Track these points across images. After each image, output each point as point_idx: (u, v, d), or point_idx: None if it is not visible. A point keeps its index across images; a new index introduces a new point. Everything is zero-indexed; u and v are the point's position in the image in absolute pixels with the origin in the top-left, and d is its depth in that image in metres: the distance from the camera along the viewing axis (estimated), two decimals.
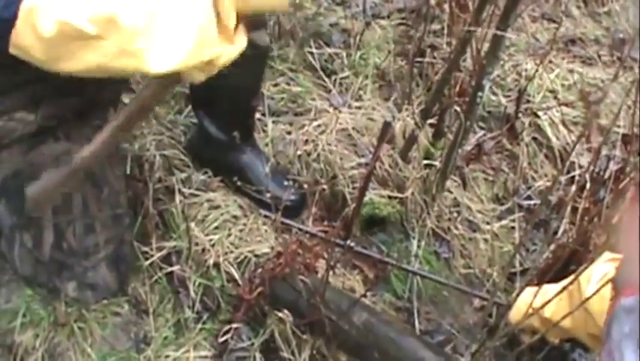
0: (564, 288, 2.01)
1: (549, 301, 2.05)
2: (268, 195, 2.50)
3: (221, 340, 2.45)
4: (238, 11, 1.76)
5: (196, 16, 1.70)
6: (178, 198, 2.61)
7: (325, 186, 2.73)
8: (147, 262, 2.51)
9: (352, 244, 2.50)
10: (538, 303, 2.21)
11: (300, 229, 2.59)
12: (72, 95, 2.17)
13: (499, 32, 2.37)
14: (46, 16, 1.65)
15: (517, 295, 2.28)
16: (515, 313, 2.35)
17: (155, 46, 1.68)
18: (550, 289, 2.24)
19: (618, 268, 2.08)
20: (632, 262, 1.93)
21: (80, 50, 1.69)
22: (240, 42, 1.80)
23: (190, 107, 2.83)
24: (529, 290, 2.27)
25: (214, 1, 1.72)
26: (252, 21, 1.98)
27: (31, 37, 1.69)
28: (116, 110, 2.44)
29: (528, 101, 3.24)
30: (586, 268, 2.05)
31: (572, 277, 2.14)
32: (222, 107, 2.62)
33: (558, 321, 2.11)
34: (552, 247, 2.80)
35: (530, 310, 2.16)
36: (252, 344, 2.45)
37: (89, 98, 2.20)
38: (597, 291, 1.95)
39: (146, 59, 1.69)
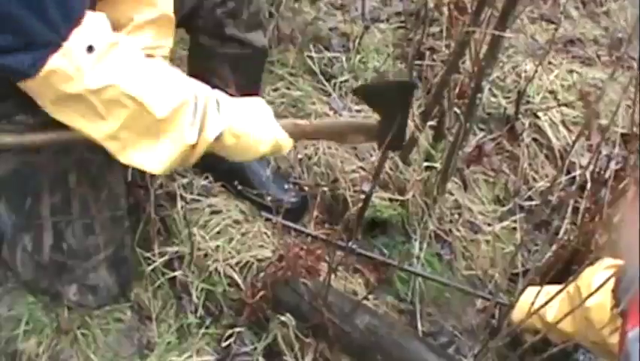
0: (566, 286, 2.01)
1: (550, 299, 2.05)
2: (269, 198, 2.51)
3: (224, 345, 2.46)
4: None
5: (177, 147, 1.97)
6: (180, 203, 2.61)
7: (326, 189, 2.73)
8: (149, 268, 2.51)
9: (354, 247, 2.49)
10: (541, 308, 2.22)
11: (302, 232, 2.59)
12: None
13: (498, 33, 2.37)
14: (68, 83, 1.81)
15: (520, 294, 2.28)
16: (518, 313, 2.35)
17: (136, 144, 1.96)
18: (552, 290, 2.25)
19: (617, 276, 2.09)
20: (633, 262, 1.94)
21: (83, 118, 1.90)
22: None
23: None
24: (532, 290, 2.27)
25: (194, 144, 1.98)
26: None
27: (44, 91, 1.84)
28: None
29: (528, 102, 3.25)
30: (588, 265, 2.05)
31: (573, 276, 2.15)
32: None
33: (558, 321, 2.12)
34: (554, 247, 2.80)
35: (532, 310, 2.17)
36: (255, 348, 2.45)
37: None
38: (593, 293, 1.95)
39: (122, 149, 1.96)
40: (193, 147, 1.98)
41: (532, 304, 2.06)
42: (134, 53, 1.95)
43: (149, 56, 2.06)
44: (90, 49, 1.81)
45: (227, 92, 2.10)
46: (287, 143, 2.17)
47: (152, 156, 1.98)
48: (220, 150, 2.07)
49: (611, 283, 2.10)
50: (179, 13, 2.25)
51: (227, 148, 2.07)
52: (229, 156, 2.14)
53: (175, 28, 2.23)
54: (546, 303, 2.08)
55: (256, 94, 2.74)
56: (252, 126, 2.09)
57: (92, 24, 1.84)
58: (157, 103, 1.90)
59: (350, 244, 2.47)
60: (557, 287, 2.13)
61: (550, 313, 2.29)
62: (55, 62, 1.78)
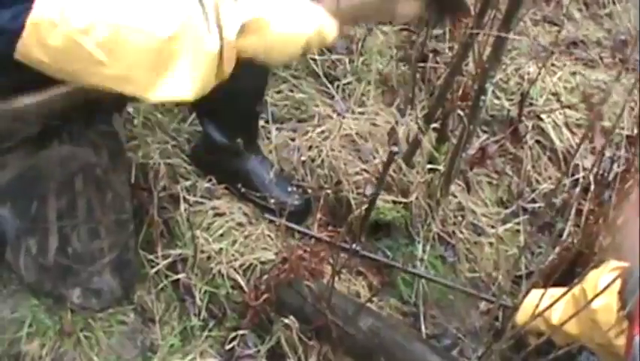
0: (570, 288, 2.01)
1: (556, 301, 2.05)
2: (272, 201, 2.51)
3: (227, 347, 2.46)
4: (240, 58, 1.82)
5: (200, 61, 1.77)
6: (183, 206, 2.61)
7: (330, 191, 2.73)
8: (153, 271, 2.51)
9: (358, 249, 2.49)
10: (545, 310, 2.22)
11: (305, 234, 2.59)
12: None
13: (501, 34, 2.37)
14: (54, 33, 1.67)
15: (524, 297, 2.28)
16: (522, 316, 2.35)
17: (155, 77, 1.76)
18: (556, 293, 2.24)
19: (623, 278, 2.09)
20: (637, 264, 1.94)
21: (84, 71, 1.74)
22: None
23: (194, 115, 2.84)
24: (536, 292, 2.27)
25: (220, 50, 1.77)
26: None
27: (38, 50, 1.70)
28: (121, 115, 2.45)
29: (531, 104, 3.25)
30: (593, 267, 2.05)
31: (578, 279, 2.15)
32: (226, 113, 2.62)
33: (563, 323, 2.11)
34: (557, 249, 2.80)
35: (537, 313, 2.17)
36: (259, 350, 2.45)
37: (93, 101, 2.20)
38: (598, 295, 1.95)
39: (145, 87, 1.77)
40: (220, 55, 1.80)
41: (537, 306, 2.06)
42: None
43: None
44: None
45: None
46: (331, 29, 1.94)
47: (179, 84, 1.79)
48: (255, 50, 1.86)
49: (618, 285, 2.10)
50: None
51: (260, 44, 1.86)
52: (267, 56, 1.92)
53: None
54: (551, 305, 2.07)
55: (261, 99, 2.76)
56: (283, 10, 1.88)
57: None
58: (155, 25, 1.73)
59: (354, 246, 2.47)
60: (561, 290, 2.13)
61: (555, 316, 2.28)
62: (37, 11, 1.66)
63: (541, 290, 2.09)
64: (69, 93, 1.90)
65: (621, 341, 2.11)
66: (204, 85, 1.81)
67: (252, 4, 1.83)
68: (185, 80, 1.78)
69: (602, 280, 2.17)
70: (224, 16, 1.78)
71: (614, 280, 1.92)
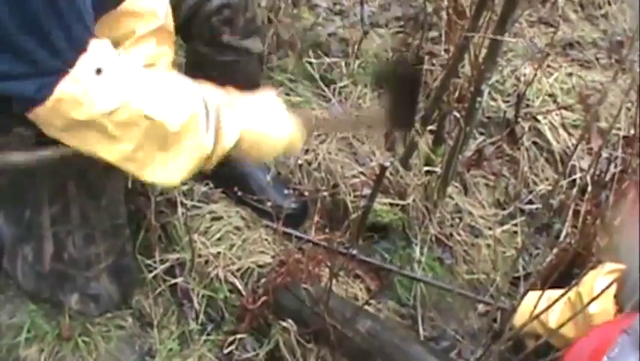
0: (568, 290, 2.01)
1: (552, 304, 2.05)
2: (269, 204, 2.51)
3: (226, 351, 2.46)
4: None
5: (194, 156, 1.98)
6: (180, 210, 2.61)
7: (326, 194, 2.72)
8: (151, 275, 2.51)
9: (355, 252, 2.49)
10: (543, 312, 2.22)
11: (303, 238, 2.59)
12: None
13: (497, 36, 2.37)
14: (79, 109, 1.79)
15: (521, 298, 2.28)
16: (519, 318, 2.35)
17: (154, 162, 1.94)
18: (553, 296, 2.24)
19: (619, 281, 2.09)
20: (634, 266, 1.94)
21: (97, 142, 1.89)
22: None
23: None
24: (533, 295, 2.27)
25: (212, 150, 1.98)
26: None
27: (54, 120, 1.83)
28: None
29: (527, 106, 3.25)
30: (591, 268, 2.05)
31: (575, 281, 2.15)
32: None
33: (560, 327, 2.11)
34: (555, 250, 2.80)
35: (534, 315, 2.17)
36: (257, 354, 2.45)
37: None
38: (594, 299, 1.95)
39: (143, 168, 1.95)
40: (210, 152, 1.98)
41: (535, 308, 2.06)
42: (140, 69, 1.97)
43: (151, 65, 2.07)
44: (99, 71, 1.79)
45: None
46: (301, 139, 2.18)
47: (171, 170, 1.98)
48: (237, 153, 2.07)
49: (614, 289, 2.10)
50: (175, 21, 2.25)
51: (245, 150, 2.08)
52: (246, 157, 2.19)
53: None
54: (547, 308, 2.08)
55: None
56: (268, 125, 2.10)
57: (98, 49, 1.82)
58: (169, 116, 1.89)
59: (351, 249, 2.47)
60: (559, 292, 2.13)
61: (552, 319, 2.28)
62: (63, 87, 1.77)
63: (539, 293, 2.09)
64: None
65: None
66: (189, 174, 2.03)
67: (248, 113, 2.06)
68: (177, 168, 1.98)
69: (597, 284, 2.17)
70: (225, 124, 1.99)
71: (610, 285, 1.92)
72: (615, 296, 2.11)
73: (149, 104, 1.87)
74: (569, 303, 2.25)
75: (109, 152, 1.91)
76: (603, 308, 2.13)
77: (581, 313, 2.13)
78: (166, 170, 1.97)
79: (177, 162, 1.97)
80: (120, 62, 1.87)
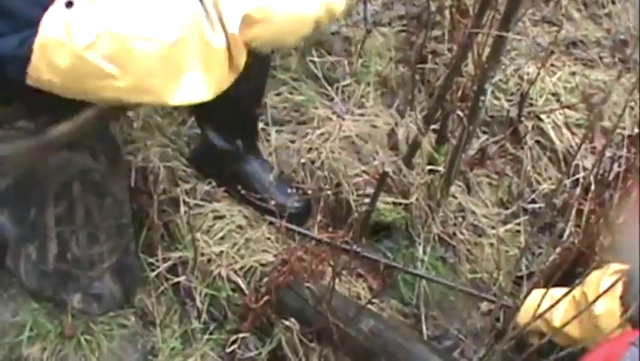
0: (572, 289, 2.00)
1: (557, 302, 2.04)
2: (273, 203, 2.51)
3: (228, 350, 2.46)
4: (250, 50, 1.84)
5: (209, 60, 1.80)
6: (183, 209, 2.61)
7: (330, 193, 2.72)
8: (153, 274, 2.52)
9: (359, 250, 2.49)
10: (547, 311, 2.21)
11: (306, 236, 2.59)
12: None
13: (501, 33, 2.37)
14: (62, 52, 1.68)
15: (525, 297, 2.28)
16: (523, 316, 2.35)
17: (169, 82, 1.78)
18: (557, 294, 2.24)
19: (625, 282, 2.08)
20: (634, 264, 1.93)
21: (96, 87, 1.75)
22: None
23: (193, 118, 2.83)
24: (537, 293, 2.27)
25: (227, 46, 1.79)
26: None
27: (47, 71, 1.71)
28: (118, 120, 2.45)
29: (531, 105, 3.24)
30: (594, 268, 2.04)
31: (579, 279, 2.14)
32: (225, 116, 2.63)
33: (564, 325, 2.11)
34: (558, 249, 2.79)
35: (538, 313, 2.16)
36: (260, 353, 2.45)
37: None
38: (599, 297, 1.95)
39: (163, 95, 1.79)
40: (228, 51, 1.82)
41: (539, 306, 2.05)
42: None
43: None
44: (69, 4, 1.68)
45: None
46: (339, 1, 1.93)
47: (194, 85, 1.81)
48: (264, 38, 1.86)
49: (620, 290, 2.10)
50: None
51: (268, 32, 1.84)
52: (277, 42, 1.93)
53: None
54: (552, 306, 2.07)
55: (260, 102, 2.75)
56: None
57: None
58: (161, 30, 1.74)
59: (354, 247, 2.47)
60: (563, 290, 2.13)
61: (557, 318, 2.28)
62: (42, 33, 1.67)
63: (543, 290, 2.09)
64: (97, 116, 1.97)
65: None
66: (220, 82, 1.84)
67: None
68: (199, 81, 1.81)
69: (603, 284, 2.16)
70: (224, 11, 1.78)
71: (614, 284, 1.92)
72: (621, 297, 2.10)
73: (133, 24, 1.73)
74: (573, 302, 2.25)
75: (117, 93, 1.77)
76: (609, 309, 2.12)
77: (586, 314, 2.12)
78: (189, 88, 1.81)
79: (196, 76, 1.81)
80: None
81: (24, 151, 2.05)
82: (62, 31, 1.67)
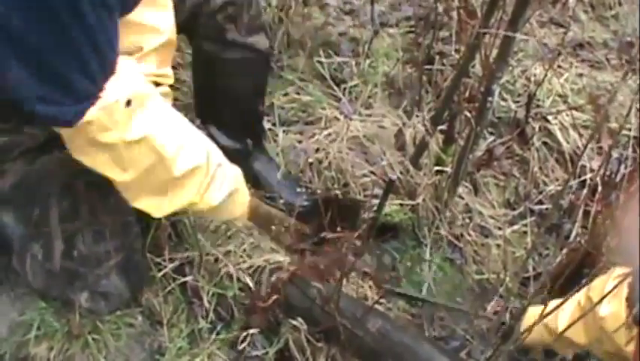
0: (576, 291, 2.01)
1: (561, 303, 2.05)
2: (281, 202, 2.51)
3: (235, 350, 2.46)
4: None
5: (184, 201, 2.20)
6: None
7: (338, 192, 2.73)
8: (160, 273, 2.51)
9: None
10: (550, 319, 2.22)
11: (314, 235, 2.59)
12: None
13: (509, 34, 2.37)
14: (106, 133, 1.90)
15: (531, 297, 2.28)
16: (525, 325, 2.34)
17: (145, 194, 2.14)
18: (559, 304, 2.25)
19: (630, 285, 2.08)
20: (635, 265, 1.93)
21: (106, 166, 2.02)
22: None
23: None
24: (534, 310, 2.28)
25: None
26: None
27: (76, 137, 1.93)
28: None
29: (538, 106, 3.24)
30: (601, 268, 2.04)
31: (584, 281, 2.15)
32: (228, 114, 2.64)
33: (569, 326, 2.11)
34: (565, 250, 2.80)
35: (543, 328, 2.18)
36: (267, 352, 2.45)
37: None
38: (604, 298, 1.95)
39: (134, 199, 2.16)
40: (196, 204, 2.20)
41: (540, 318, 2.06)
42: (163, 104, 2.06)
43: (154, 83, 2.13)
44: (128, 103, 1.88)
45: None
46: (244, 221, 2.51)
47: (157, 206, 2.17)
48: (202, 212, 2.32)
49: (625, 292, 2.10)
50: (179, 19, 2.25)
51: (210, 213, 2.33)
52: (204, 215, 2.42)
53: (176, 35, 2.25)
54: (556, 308, 2.08)
55: (262, 98, 2.76)
56: (238, 201, 2.38)
57: (127, 73, 1.90)
58: (177, 161, 2.05)
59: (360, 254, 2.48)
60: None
61: (562, 325, 2.28)
62: (94, 113, 1.84)
63: (541, 307, 2.10)
64: None
65: (631, 348, 2.10)
66: (170, 213, 2.24)
67: (232, 174, 2.30)
68: (164, 207, 2.18)
69: (608, 288, 2.16)
70: (214, 184, 2.21)
71: (618, 284, 1.92)
72: (627, 299, 2.10)
73: (167, 143, 2.01)
74: (579, 308, 2.25)
75: (114, 175, 2.04)
76: (615, 312, 2.12)
77: (592, 317, 2.12)
78: (154, 205, 2.16)
79: (166, 203, 2.16)
80: (146, 93, 1.98)
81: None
82: (111, 121, 1.89)
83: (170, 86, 2.25)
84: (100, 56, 1.81)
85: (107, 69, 1.85)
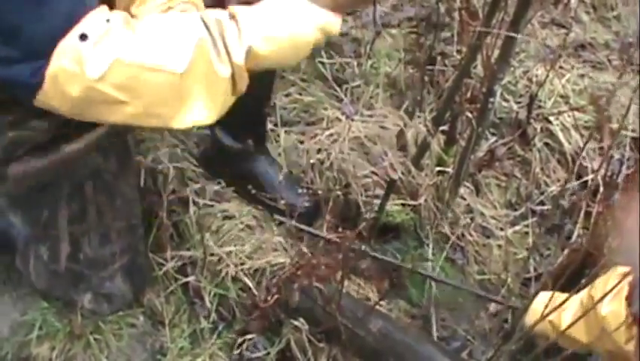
0: (578, 289, 2.01)
1: (564, 301, 2.05)
2: (283, 202, 2.51)
3: (237, 350, 2.46)
4: (251, 72, 1.90)
5: (215, 88, 1.87)
6: (192, 209, 2.61)
7: (339, 194, 2.73)
8: (162, 274, 2.52)
9: (367, 250, 2.50)
10: (554, 310, 2.22)
11: (315, 236, 2.59)
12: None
13: (510, 35, 2.37)
14: (73, 82, 1.72)
15: (533, 298, 2.28)
16: (531, 317, 2.35)
17: (176, 109, 1.85)
18: (564, 296, 2.25)
19: (631, 284, 2.08)
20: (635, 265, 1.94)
21: (106, 111, 1.81)
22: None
23: None
24: (544, 294, 2.27)
25: (232, 74, 1.86)
26: None
27: (57, 99, 1.76)
28: None
29: (539, 107, 3.24)
30: (602, 267, 2.04)
31: (586, 279, 2.15)
32: (234, 116, 2.62)
33: (572, 324, 2.11)
34: (566, 251, 2.80)
35: (546, 313, 2.17)
36: (268, 353, 2.46)
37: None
38: (605, 296, 1.95)
39: (169, 120, 1.86)
40: (232, 78, 1.88)
41: (546, 307, 2.06)
42: (127, 21, 1.82)
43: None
44: (83, 37, 1.71)
45: None
46: (334, 22, 1.95)
47: (199, 111, 1.88)
48: (266, 63, 1.93)
49: (625, 291, 2.10)
50: None
51: (270, 58, 1.91)
52: (280, 64, 2.05)
53: None
54: (560, 305, 2.08)
55: (268, 100, 2.75)
56: (283, 24, 1.90)
57: (88, 18, 1.74)
58: (171, 59, 1.80)
59: (363, 248, 2.47)
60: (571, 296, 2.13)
61: (565, 322, 2.28)
62: (53, 64, 1.71)
63: (549, 293, 2.09)
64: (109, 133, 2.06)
65: (631, 347, 2.11)
66: (223, 107, 1.92)
67: (254, 23, 1.88)
68: (204, 106, 1.87)
69: (609, 287, 2.16)
70: (230, 42, 1.84)
71: (618, 283, 1.92)
72: (627, 298, 2.11)
73: (144, 54, 1.78)
74: (581, 306, 2.25)
75: (126, 117, 1.82)
76: (616, 311, 2.12)
77: (593, 316, 2.13)
78: (194, 113, 1.88)
79: (202, 103, 1.87)
80: (107, 24, 1.76)
81: (36, 171, 2.08)
82: (74, 63, 1.71)
83: None
84: (56, 3, 1.71)
85: (68, 19, 1.72)
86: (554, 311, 2.11)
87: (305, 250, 2.54)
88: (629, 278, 2.07)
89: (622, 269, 2.19)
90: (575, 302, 2.23)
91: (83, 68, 1.71)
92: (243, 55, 1.86)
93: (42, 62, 1.71)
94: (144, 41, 1.79)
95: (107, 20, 1.76)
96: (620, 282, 1.92)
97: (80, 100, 1.76)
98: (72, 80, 1.72)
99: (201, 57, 1.82)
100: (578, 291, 2.08)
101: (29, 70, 1.72)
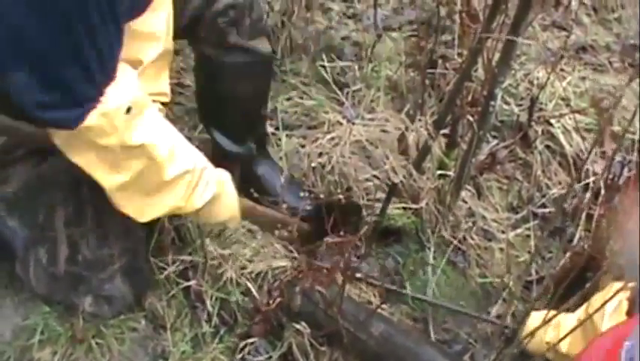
0: (580, 293, 2.01)
1: (570, 332, 2.06)
2: (285, 206, 2.51)
3: (239, 354, 2.46)
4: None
5: (171, 204, 2.17)
6: None
7: (341, 197, 2.72)
8: (164, 278, 2.52)
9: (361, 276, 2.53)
10: (551, 334, 2.23)
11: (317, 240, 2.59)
12: None
13: (511, 38, 2.37)
14: (102, 137, 1.92)
15: (535, 301, 2.28)
16: (529, 340, 2.34)
17: (135, 201, 2.13)
18: (561, 320, 2.25)
19: (630, 300, 2.08)
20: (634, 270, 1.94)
21: (95, 166, 2.02)
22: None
23: None
24: (537, 315, 2.28)
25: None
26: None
27: (73, 139, 1.94)
28: None
29: (540, 110, 3.24)
30: (603, 272, 2.04)
31: (584, 306, 2.16)
32: (232, 118, 2.64)
33: (570, 332, 2.11)
34: (568, 254, 2.79)
35: (545, 345, 2.18)
36: (270, 356, 2.46)
37: None
38: (603, 305, 1.95)
39: (124, 205, 2.13)
40: (182, 209, 2.19)
41: (542, 324, 2.06)
42: (158, 112, 2.08)
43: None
44: (129, 110, 1.90)
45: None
46: (237, 223, 2.49)
47: (143, 210, 2.15)
48: (200, 216, 2.31)
49: (625, 307, 2.10)
50: (180, 24, 2.26)
51: (196, 215, 2.30)
52: (203, 220, 2.42)
53: (177, 39, 2.26)
54: (554, 317, 2.08)
55: (265, 102, 2.76)
56: (223, 201, 2.33)
57: (126, 80, 1.92)
58: (169, 166, 2.06)
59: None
60: (565, 316, 2.14)
61: (564, 344, 2.27)
62: (94, 118, 1.85)
63: (542, 313, 2.10)
64: None
65: None
66: (155, 217, 2.21)
67: (216, 177, 2.27)
68: (150, 212, 2.17)
69: (608, 305, 2.16)
70: (199, 188, 2.20)
71: (614, 295, 1.93)
72: (627, 314, 2.11)
73: (162, 148, 2.03)
74: (579, 325, 2.25)
75: (106, 177, 2.03)
76: None
77: (593, 333, 2.13)
78: (140, 209, 2.14)
79: (152, 206, 2.15)
80: (144, 101, 2.00)
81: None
82: (110, 127, 1.90)
83: (163, 104, 2.25)
84: (101, 60, 1.82)
85: (108, 74, 1.87)
86: (548, 327, 2.11)
87: (306, 251, 2.54)
88: (627, 294, 2.08)
89: (618, 285, 2.19)
90: (572, 320, 2.24)
91: (118, 133, 1.93)
92: (200, 205, 2.22)
93: (85, 109, 1.86)
94: (168, 140, 2.09)
95: (145, 99, 2.03)
96: (614, 295, 1.92)
97: (96, 146, 1.94)
98: (103, 136, 1.92)
99: (181, 182, 2.14)
100: (579, 295, 2.07)
101: (74, 116, 1.87)
